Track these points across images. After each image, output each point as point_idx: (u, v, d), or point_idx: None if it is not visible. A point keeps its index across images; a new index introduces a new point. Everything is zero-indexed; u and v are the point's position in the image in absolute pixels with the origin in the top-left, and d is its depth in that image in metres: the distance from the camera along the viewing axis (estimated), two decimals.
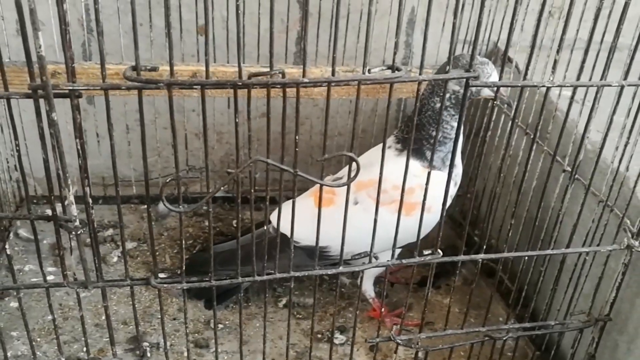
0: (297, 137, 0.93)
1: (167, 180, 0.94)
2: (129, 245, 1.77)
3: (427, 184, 1.09)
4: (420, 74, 0.93)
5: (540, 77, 1.48)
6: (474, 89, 1.35)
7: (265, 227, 1.12)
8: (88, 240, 1.56)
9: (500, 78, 1.31)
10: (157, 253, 1.77)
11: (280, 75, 0.88)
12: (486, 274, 1.74)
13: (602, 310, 1.26)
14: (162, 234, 1.84)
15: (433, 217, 1.43)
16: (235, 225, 1.80)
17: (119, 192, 0.97)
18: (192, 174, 1.88)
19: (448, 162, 1.45)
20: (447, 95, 1.39)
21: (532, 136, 1.20)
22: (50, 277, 1.62)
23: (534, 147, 1.07)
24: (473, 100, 1.48)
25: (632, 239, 1.16)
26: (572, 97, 0.99)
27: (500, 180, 1.60)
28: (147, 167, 0.93)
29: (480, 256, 1.14)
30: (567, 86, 1.00)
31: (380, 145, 1.54)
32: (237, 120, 0.90)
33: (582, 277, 1.25)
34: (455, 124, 1.42)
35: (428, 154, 1.45)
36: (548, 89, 0.98)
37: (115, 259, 1.72)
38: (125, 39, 1.71)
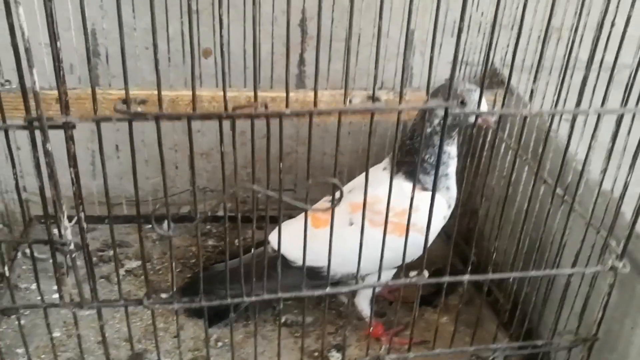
0: (280, 165, 0.97)
1: (157, 207, 0.98)
2: (133, 264, 1.82)
3: (411, 199, 1.12)
4: (400, 103, 0.97)
5: (540, 100, 1.50)
6: (461, 117, 1.40)
7: (264, 247, 1.15)
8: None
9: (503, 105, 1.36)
10: (160, 272, 1.81)
11: (264, 107, 0.91)
12: (486, 294, 1.76)
13: (591, 330, 1.28)
14: (166, 253, 1.88)
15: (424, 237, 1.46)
16: (237, 244, 1.86)
17: (111, 216, 1.01)
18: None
19: (441, 185, 1.49)
20: (437, 121, 1.43)
21: (528, 161, 1.23)
22: (54, 296, 1.67)
23: (523, 167, 1.09)
24: (462, 127, 1.51)
25: (616, 260, 1.18)
26: (553, 120, 1.02)
27: (495, 201, 1.63)
28: (137, 190, 0.98)
29: (466, 277, 1.17)
30: (546, 114, 1.02)
31: (377, 166, 1.60)
32: (222, 150, 0.94)
33: (570, 297, 1.27)
34: (448, 149, 1.46)
35: (421, 176, 1.48)
36: (525, 118, 1.01)
37: (120, 276, 1.76)
38: (131, 62, 1.76)
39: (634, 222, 1.16)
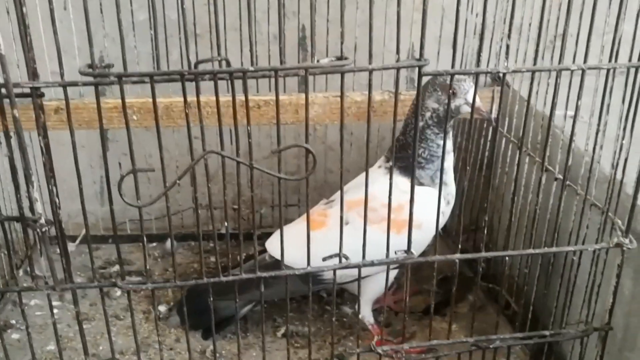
0: (249, 128, 0.94)
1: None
2: (134, 280, 1.79)
3: (411, 195, 1.08)
4: (370, 63, 0.95)
5: (542, 102, 1.47)
6: (453, 106, 1.37)
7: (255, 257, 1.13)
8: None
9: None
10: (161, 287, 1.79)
11: (225, 63, 0.90)
12: (494, 300, 1.69)
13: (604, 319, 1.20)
14: (167, 270, 1.86)
15: (424, 234, 1.41)
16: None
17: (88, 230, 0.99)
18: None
19: (437, 180, 1.45)
20: (429, 114, 1.40)
21: (521, 147, 1.19)
22: (54, 311, 1.65)
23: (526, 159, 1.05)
24: (458, 119, 1.48)
25: (622, 237, 1.12)
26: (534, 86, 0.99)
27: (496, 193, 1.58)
28: (113, 210, 0.96)
29: (457, 256, 1.12)
30: (524, 71, 0.99)
31: (374, 166, 1.57)
32: (187, 111, 0.92)
33: (581, 286, 1.20)
34: (441, 142, 1.42)
35: (416, 171, 1.45)
36: (504, 75, 0.98)
37: (119, 292, 1.74)
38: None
39: (636, 195, 1.10)
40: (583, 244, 1.18)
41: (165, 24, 1.69)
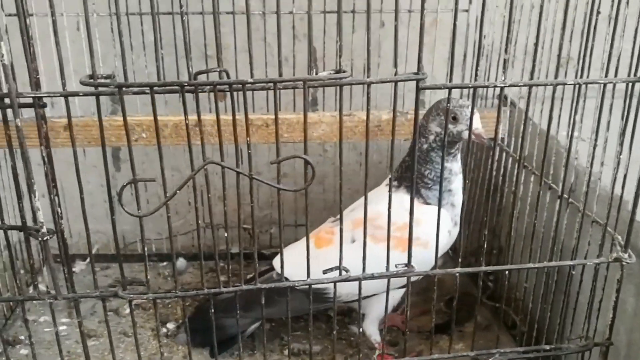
0: (248, 139, 0.96)
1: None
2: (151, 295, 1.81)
3: (410, 210, 1.09)
4: (367, 77, 0.96)
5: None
6: (454, 131, 1.38)
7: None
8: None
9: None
10: (170, 305, 1.80)
11: (225, 74, 0.92)
12: (501, 319, 1.67)
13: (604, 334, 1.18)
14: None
15: (430, 253, 1.40)
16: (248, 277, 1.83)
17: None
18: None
19: (445, 201, 1.45)
20: (432, 137, 1.42)
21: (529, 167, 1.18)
22: (62, 328, 1.67)
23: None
24: (463, 144, 1.48)
25: (621, 251, 1.11)
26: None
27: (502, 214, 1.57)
28: (114, 220, 0.98)
29: (457, 270, 1.11)
30: (520, 86, 1.00)
31: (382, 184, 1.57)
32: (186, 122, 0.94)
33: (583, 301, 1.19)
34: (447, 164, 1.43)
35: (423, 191, 1.46)
36: (502, 89, 0.98)
37: (128, 310, 1.74)
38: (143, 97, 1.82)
39: (634, 210, 1.10)
40: (585, 259, 1.17)
41: (175, 44, 1.72)
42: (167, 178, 2.05)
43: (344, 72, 0.94)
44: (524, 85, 0.99)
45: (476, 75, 0.97)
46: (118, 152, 2.00)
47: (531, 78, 0.98)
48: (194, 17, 1.74)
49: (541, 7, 0.96)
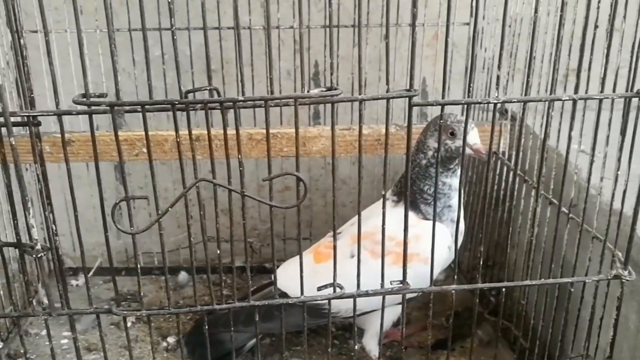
0: (240, 157, 0.96)
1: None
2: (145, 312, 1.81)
3: (405, 225, 1.08)
4: (360, 94, 0.96)
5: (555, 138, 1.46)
6: (452, 147, 1.38)
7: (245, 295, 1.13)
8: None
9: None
10: (170, 319, 1.79)
11: (216, 93, 0.92)
12: (504, 335, 1.65)
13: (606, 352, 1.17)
14: (178, 302, 1.88)
15: (429, 268, 1.40)
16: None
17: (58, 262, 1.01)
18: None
19: (445, 217, 1.45)
20: (430, 153, 1.41)
21: (530, 183, 1.18)
22: (64, 341, 1.68)
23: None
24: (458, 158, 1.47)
25: (621, 268, 1.10)
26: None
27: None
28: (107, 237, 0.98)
29: (453, 287, 1.10)
30: (514, 101, 0.99)
31: (379, 200, 1.56)
32: (177, 140, 0.94)
33: (582, 314, 1.17)
34: (446, 180, 1.42)
35: (422, 207, 1.46)
36: (495, 106, 0.98)
37: (129, 324, 1.75)
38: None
39: (633, 226, 1.09)
40: (586, 275, 1.16)
41: (176, 60, 1.73)
42: (170, 191, 2.06)
43: (336, 89, 0.94)
44: (518, 101, 0.98)
45: (469, 91, 0.97)
46: (122, 157, 2.01)
47: (526, 94, 0.98)
48: (198, 33, 1.75)
49: (534, 22, 0.96)
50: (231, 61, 1.83)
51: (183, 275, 1.97)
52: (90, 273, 1.92)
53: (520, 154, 1.51)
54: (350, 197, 2.04)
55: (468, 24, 1.78)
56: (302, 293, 1.08)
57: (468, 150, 1.35)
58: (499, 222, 1.67)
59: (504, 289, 1.10)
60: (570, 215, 1.23)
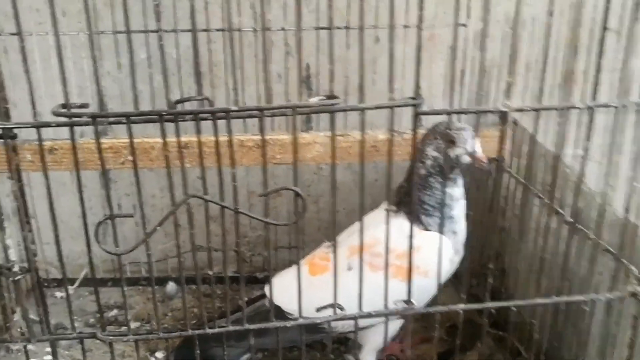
0: (233, 170, 0.89)
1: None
2: (132, 325, 1.74)
3: (410, 237, 1.02)
4: (360, 102, 0.90)
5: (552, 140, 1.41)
6: (453, 155, 1.32)
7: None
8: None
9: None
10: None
11: (207, 102, 0.86)
12: (505, 348, 1.60)
13: None
14: (167, 315, 1.81)
15: (431, 282, 1.34)
16: (240, 305, 1.77)
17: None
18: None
19: (446, 229, 1.39)
20: (430, 162, 1.36)
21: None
22: (47, 357, 1.61)
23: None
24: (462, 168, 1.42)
25: (637, 285, 1.04)
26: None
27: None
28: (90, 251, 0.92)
29: (460, 307, 1.04)
30: (527, 110, 0.94)
31: (376, 210, 1.51)
32: (166, 154, 0.87)
33: (592, 331, 1.12)
34: (449, 190, 1.37)
35: (423, 218, 1.39)
36: (506, 112, 0.92)
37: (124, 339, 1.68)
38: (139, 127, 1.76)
39: None
40: (597, 292, 1.10)
41: (164, 63, 1.66)
42: (158, 198, 1.98)
43: (336, 97, 0.88)
44: (530, 110, 0.92)
45: (480, 99, 0.91)
46: (108, 172, 1.93)
47: (540, 101, 0.92)
48: (185, 35, 1.69)
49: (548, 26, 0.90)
50: (219, 64, 1.77)
51: (171, 286, 1.90)
52: (75, 284, 1.85)
53: (519, 160, 1.46)
54: (344, 203, 1.97)
55: (465, 25, 1.72)
56: (300, 314, 1.02)
57: (468, 159, 1.31)
58: (499, 231, 1.62)
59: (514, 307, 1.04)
60: (577, 225, 1.18)
